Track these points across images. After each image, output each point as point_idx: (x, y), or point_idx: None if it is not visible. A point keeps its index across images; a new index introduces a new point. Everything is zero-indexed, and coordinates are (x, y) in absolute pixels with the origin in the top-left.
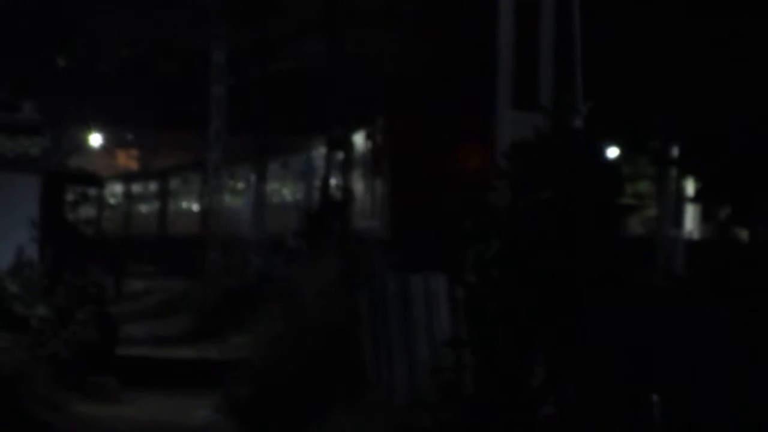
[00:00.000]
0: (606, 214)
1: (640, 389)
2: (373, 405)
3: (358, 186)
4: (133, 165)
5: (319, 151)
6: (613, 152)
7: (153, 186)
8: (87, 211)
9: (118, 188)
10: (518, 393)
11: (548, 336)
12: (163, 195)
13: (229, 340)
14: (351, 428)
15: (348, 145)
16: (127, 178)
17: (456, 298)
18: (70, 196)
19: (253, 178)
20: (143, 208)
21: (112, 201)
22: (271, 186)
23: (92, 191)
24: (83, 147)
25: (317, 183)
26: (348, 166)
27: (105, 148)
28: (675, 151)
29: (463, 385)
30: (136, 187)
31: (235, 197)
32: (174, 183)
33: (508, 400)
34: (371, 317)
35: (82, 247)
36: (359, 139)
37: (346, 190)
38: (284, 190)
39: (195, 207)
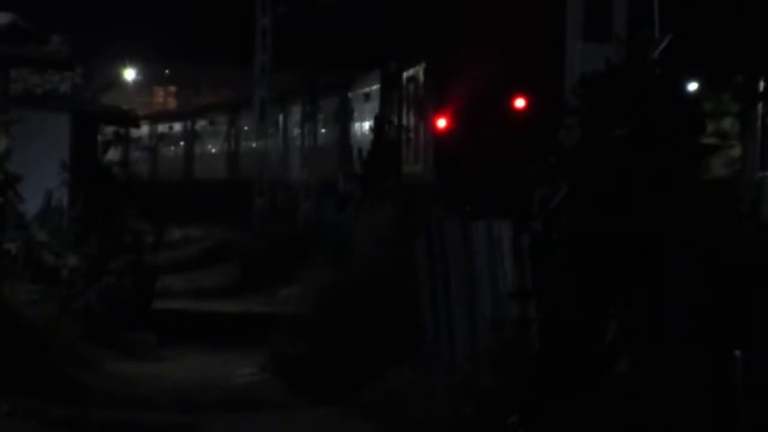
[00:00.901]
0: (686, 154)
1: (721, 345)
2: (431, 362)
3: (413, 126)
4: (172, 103)
5: (373, 88)
6: (692, 87)
7: (195, 126)
8: (122, 153)
9: (155, 128)
10: (588, 349)
11: (621, 287)
12: (206, 136)
13: (275, 292)
14: (408, 388)
15: (402, 82)
16: (165, 116)
17: (521, 247)
18: (103, 136)
19: (300, 117)
20: (185, 149)
21: (149, 141)
22: (322, 126)
23: (127, 131)
24: (117, 83)
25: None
26: (403, 105)
27: (141, 85)
28: (762, 86)
29: (528, 340)
30: (177, 127)
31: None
32: (217, 124)
33: (577, 356)
34: (429, 267)
35: (117, 191)
36: (415, 76)
37: (402, 129)
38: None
39: (239, 149)
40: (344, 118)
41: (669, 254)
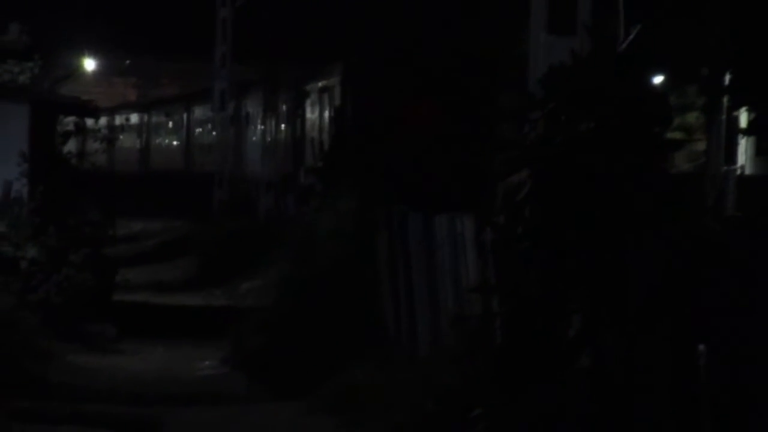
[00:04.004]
0: (651, 148)
1: (685, 339)
2: (393, 357)
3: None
4: (132, 95)
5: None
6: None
7: (153, 118)
8: (81, 144)
9: (115, 119)
10: (551, 344)
11: (585, 282)
12: (165, 128)
13: (236, 285)
14: (370, 383)
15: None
16: (126, 108)
17: (484, 241)
18: (62, 127)
19: (261, 110)
20: (143, 141)
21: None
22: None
23: (87, 122)
24: (77, 74)
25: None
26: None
27: (102, 77)
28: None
29: (491, 335)
30: (135, 119)
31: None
32: (176, 115)
33: (541, 351)
34: (391, 261)
35: (76, 182)
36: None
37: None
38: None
39: (199, 141)
40: (304, 111)
41: (633, 249)
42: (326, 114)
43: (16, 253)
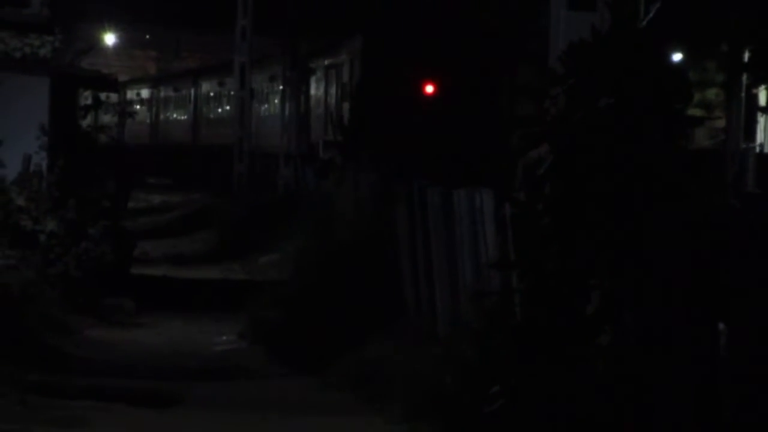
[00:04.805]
0: (672, 124)
1: (706, 317)
2: (412, 332)
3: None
4: (153, 68)
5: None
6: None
7: (172, 92)
8: (101, 117)
9: (136, 92)
10: (571, 321)
11: (605, 258)
12: (191, 100)
13: (255, 259)
14: (388, 358)
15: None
16: (146, 81)
17: (503, 217)
18: (82, 101)
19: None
20: (163, 114)
21: (129, 106)
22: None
23: (107, 95)
24: (98, 47)
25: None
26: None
27: (122, 49)
28: (747, 56)
29: (510, 311)
30: (155, 92)
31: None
32: (213, 86)
33: (560, 328)
34: (410, 236)
35: (96, 156)
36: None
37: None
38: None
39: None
40: (324, 84)
41: (653, 226)
42: (346, 88)
43: (35, 227)
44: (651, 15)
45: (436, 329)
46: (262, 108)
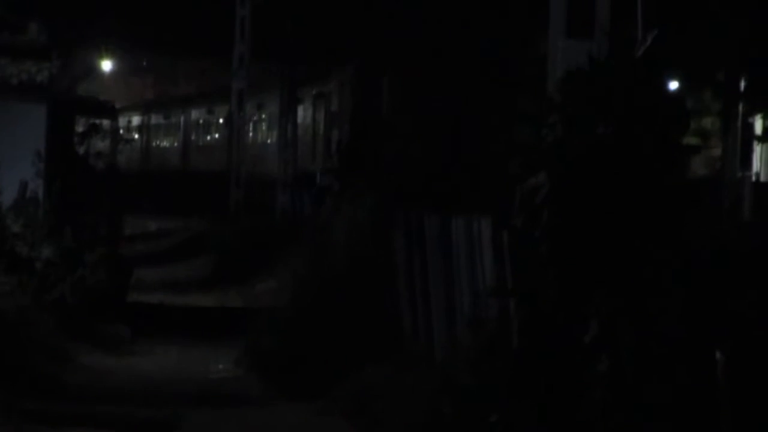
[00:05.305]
0: (669, 153)
1: (703, 346)
2: (409, 358)
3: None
4: (150, 94)
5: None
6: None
7: (171, 117)
8: (98, 143)
9: (132, 119)
10: (568, 348)
11: (602, 286)
12: (181, 127)
13: (252, 286)
14: (386, 385)
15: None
16: (143, 107)
17: (501, 243)
18: (79, 127)
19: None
20: (159, 140)
21: (125, 132)
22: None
23: (104, 121)
24: (95, 73)
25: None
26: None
27: (119, 75)
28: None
29: (507, 338)
30: (152, 118)
31: (264, 130)
32: (194, 114)
33: (558, 355)
34: (407, 263)
35: (92, 182)
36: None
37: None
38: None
39: (220, 140)
40: (320, 111)
41: (651, 253)
42: (342, 114)
43: (31, 253)
44: (648, 43)
45: (433, 355)
46: (259, 134)
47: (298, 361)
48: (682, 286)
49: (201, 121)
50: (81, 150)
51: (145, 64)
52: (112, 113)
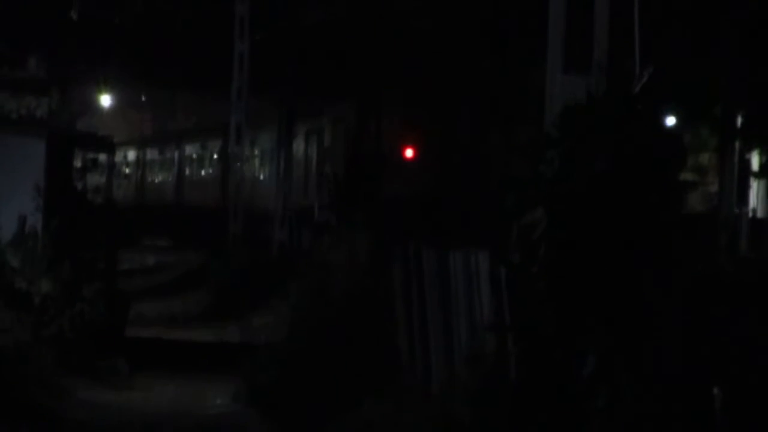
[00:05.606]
0: (666, 189)
1: (701, 381)
2: (407, 393)
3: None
4: (148, 127)
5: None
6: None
7: (169, 151)
8: (97, 178)
9: (128, 153)
10: (566, 383)
11: (600, 321)
12: (175, 162)
13: (250, 320)
14: (383, 419)
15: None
16: (138, 142)
17: (499, 278)
18: (78, 162)
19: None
20: (158, 175)
21: (124, 167)
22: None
23: (103, 156)
24: (94, 108)
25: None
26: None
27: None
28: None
29: (505, 373)
30: (150, 152)
31: (258, 165)
32: (187, 149)
33: (556, 390)
34: (406, 297)
35: (91, 216)
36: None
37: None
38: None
39: (214, 175)
40: (318, 145)
41: (649, 290)
42: (340, 149)
43: (30, 288)
44: (645, 79)
45: (431, 389)
46: (257, 168)
47: (297, 396)
48: (679, 322)
49: (194, 156)
50: (79, 185)
51: (143, 98)
52: (111, 148)
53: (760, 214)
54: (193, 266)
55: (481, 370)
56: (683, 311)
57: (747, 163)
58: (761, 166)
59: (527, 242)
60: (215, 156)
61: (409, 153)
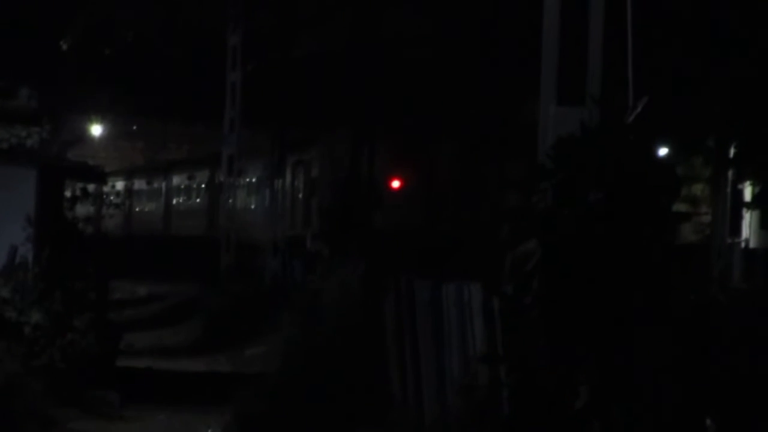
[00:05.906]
0: (659, 220)
1: (694, 413)
2: (399, 425)
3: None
4: (139, 158)
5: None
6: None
7: (153, 182)
8: (88, 208)
9: (117, 184)
10: (559, 415)
11: (593, 353)
12: (163, 192)
13: (241, 351)
14: None
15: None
16: (132, 172)
17: (491, 310)
18: (69, 192)
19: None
20: (149, 205)
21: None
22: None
23: (93, 186)
24: (84, 138)
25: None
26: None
27: (109, 140)
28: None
29: (498, 405)
30: (141, 183)
31: (250, 195)
32: (183, 179)
33: (549, 422)
34: (398, 328)
35: (82, 247)
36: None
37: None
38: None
39: (197, 205)
40: (310, 175)
41: (642, 321)
42: (324, 180)
43: (20, 318)
44: (638, 110)
45: (424, 421)
46: (249, 199)
47: (288, 427)
48: (671, 354)
49: (182, 187)
50: (70, 215)
51: (134, 128)
52: (102, 178)
53: (752, 244)
54: (185, 296)
55: (473, 401)
56: (676, 342)
57: (740, 194)
58: (754, 196)
59: (521, 273)
60: (202, 186)
61: (395, 183)
